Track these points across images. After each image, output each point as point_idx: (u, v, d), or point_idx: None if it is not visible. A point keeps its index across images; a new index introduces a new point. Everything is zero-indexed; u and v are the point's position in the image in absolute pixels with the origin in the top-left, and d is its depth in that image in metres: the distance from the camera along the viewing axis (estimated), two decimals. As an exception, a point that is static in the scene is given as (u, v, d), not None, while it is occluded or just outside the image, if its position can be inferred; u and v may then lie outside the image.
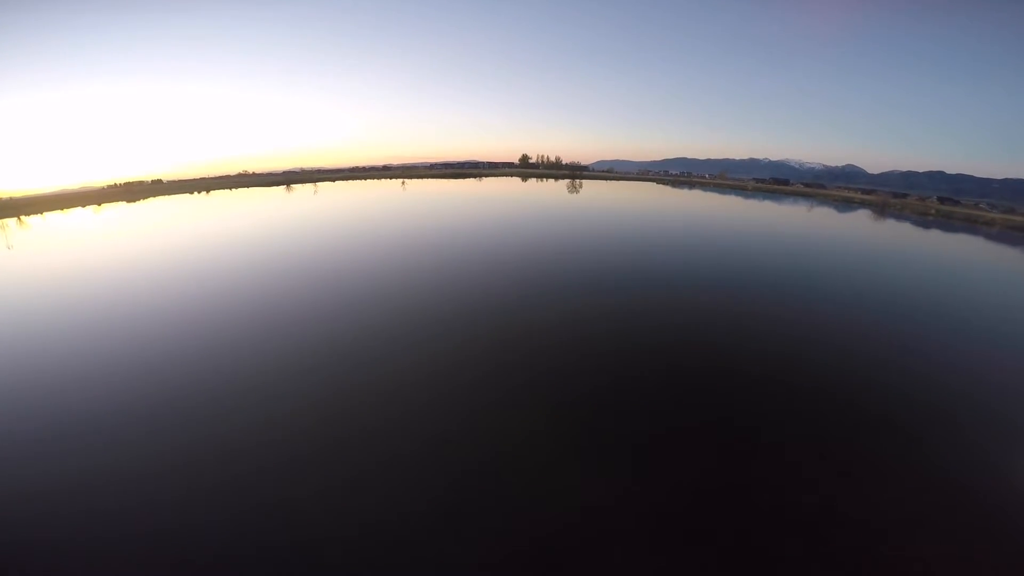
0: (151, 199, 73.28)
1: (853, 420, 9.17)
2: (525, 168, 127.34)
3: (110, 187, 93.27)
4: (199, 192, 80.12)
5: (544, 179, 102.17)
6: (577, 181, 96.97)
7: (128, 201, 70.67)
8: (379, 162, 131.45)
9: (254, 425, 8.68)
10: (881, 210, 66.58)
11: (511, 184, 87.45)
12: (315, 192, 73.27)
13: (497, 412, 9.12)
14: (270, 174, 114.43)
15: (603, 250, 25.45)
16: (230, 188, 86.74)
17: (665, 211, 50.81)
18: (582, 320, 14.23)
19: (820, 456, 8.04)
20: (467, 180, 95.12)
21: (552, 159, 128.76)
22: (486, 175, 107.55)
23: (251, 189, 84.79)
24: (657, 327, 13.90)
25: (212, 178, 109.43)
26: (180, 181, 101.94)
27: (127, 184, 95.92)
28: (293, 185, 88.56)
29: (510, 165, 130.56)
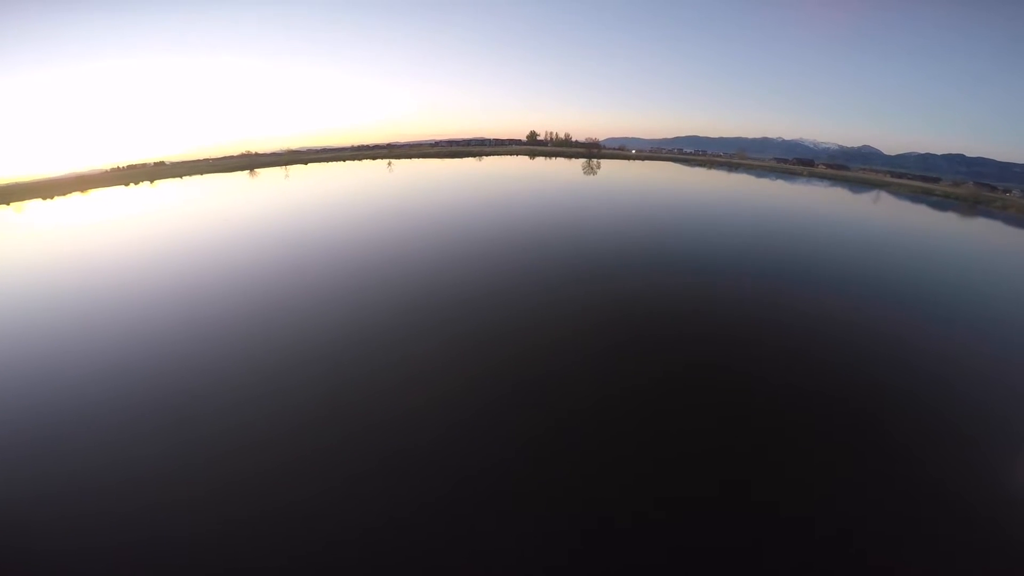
0: (71, 195, 59.38)
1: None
2: (533, 145, 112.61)
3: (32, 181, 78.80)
4: (137, 183, 65.76)
5: (553, 157, 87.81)
6: (594, 161, 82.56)
7: (44, 198, 56.08)
8: (385, 140, 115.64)
9: (247, 425, 7.98)
10: (973, 207, 51.67)
11: (517, 164, 73.63)
12: (286, 177, 60.19)
13: (505, 410, 8.44)
14: (273, 154, 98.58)
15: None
16: (181, 175, 72.35)
17: (717, 201, 44.80)
18: (606, 321, 12.49)
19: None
20: (465, 160, 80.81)
21: (561, 136, 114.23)
22: (489, 153, 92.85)
23: (206, 176, 70.81)
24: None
25: (213, 160, 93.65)
26: (129, 168, 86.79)
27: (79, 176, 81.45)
28: (257, 169, 74.28)
29: (517, 143, 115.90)
